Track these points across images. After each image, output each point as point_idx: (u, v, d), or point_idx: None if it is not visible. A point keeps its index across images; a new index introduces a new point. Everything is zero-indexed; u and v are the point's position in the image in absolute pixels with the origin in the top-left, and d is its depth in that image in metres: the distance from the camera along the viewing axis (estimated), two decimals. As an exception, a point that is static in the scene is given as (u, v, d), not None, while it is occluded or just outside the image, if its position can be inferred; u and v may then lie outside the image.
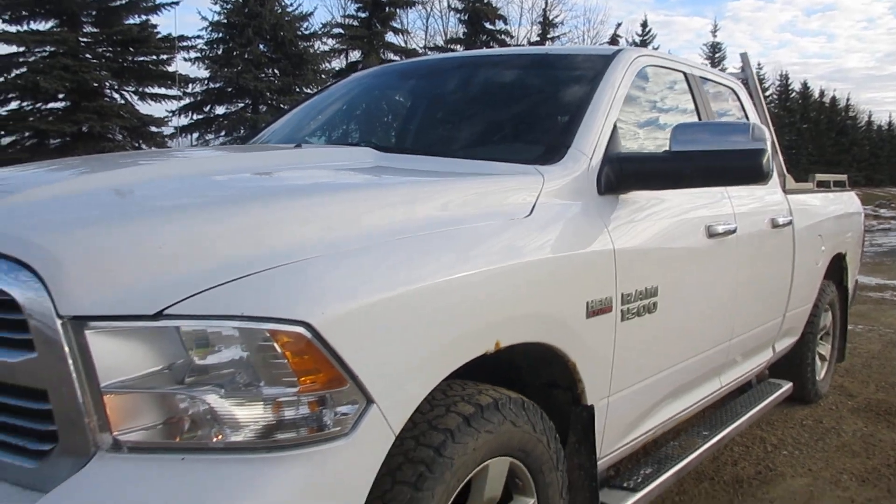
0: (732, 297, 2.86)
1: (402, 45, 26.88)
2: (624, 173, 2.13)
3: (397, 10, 25.48)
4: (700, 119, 2.87)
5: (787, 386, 3.52)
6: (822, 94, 52.89)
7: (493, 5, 27.11)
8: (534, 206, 1.90)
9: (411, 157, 2.28)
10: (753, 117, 3.46)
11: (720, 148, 2.04)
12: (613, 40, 32.48)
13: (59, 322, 1.23)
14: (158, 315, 1.24)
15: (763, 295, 3.18)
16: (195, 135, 22.30)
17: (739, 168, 2.04)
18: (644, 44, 34.15)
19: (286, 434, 1.29)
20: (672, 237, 2.41)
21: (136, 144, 19.88)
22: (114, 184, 1.72)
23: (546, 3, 31.57)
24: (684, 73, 2.93)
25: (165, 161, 2.25)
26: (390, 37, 25.75)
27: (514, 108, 2.52)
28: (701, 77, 3.09)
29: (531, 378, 2.00)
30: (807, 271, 3.65)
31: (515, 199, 1.90)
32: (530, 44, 29.57)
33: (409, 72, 3.04)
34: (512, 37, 28.78)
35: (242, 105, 22.10)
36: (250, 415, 1.28)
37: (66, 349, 1.23)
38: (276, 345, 1.27)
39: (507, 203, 1.87)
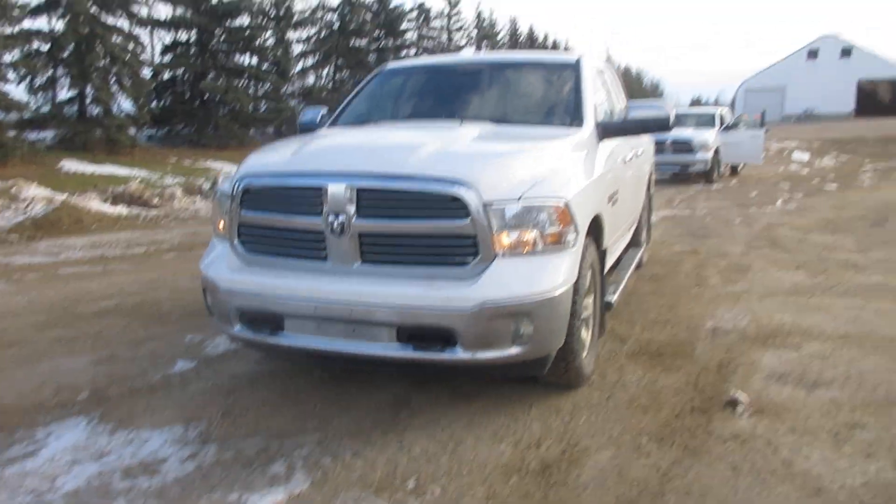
0: (630, 197, 5.30)
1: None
2: (607, 130, 4.36)
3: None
4: (611, 92, 5.24)
5: (642, 248, 6.19)
6: (545, 38, 61.25)
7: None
8: (586, 149, 4.03)
9: (512, 126, 4.25)
10: (620, 83, 6.00)
11: (651, 116, 4.33)
12: None
13: (482, 206, 3.10)
14: (518, 199, 3.19)
15: (635, 197, 5.68)
16: None
17: (661, 124, 4.35)
18: None
19: (558, 246, 3.31)
20: (616, 163, 4.71)
21: None
22: (465, 139, 3.68)
23: None
24: (601, 67, 5.23)
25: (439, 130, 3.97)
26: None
27: (547, 96, 4.65)
28: (606, 65, 5.45)
29: None
30: (644, 184, 6.30)
31: (580, 144, 4.02)
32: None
33: (452, 70, 4.94)
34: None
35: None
36: (545, 239, 3.27)
37: (484, 217, 3.11)
38: (553, 210, 3.27)
39: (580, 147, 3.98)
